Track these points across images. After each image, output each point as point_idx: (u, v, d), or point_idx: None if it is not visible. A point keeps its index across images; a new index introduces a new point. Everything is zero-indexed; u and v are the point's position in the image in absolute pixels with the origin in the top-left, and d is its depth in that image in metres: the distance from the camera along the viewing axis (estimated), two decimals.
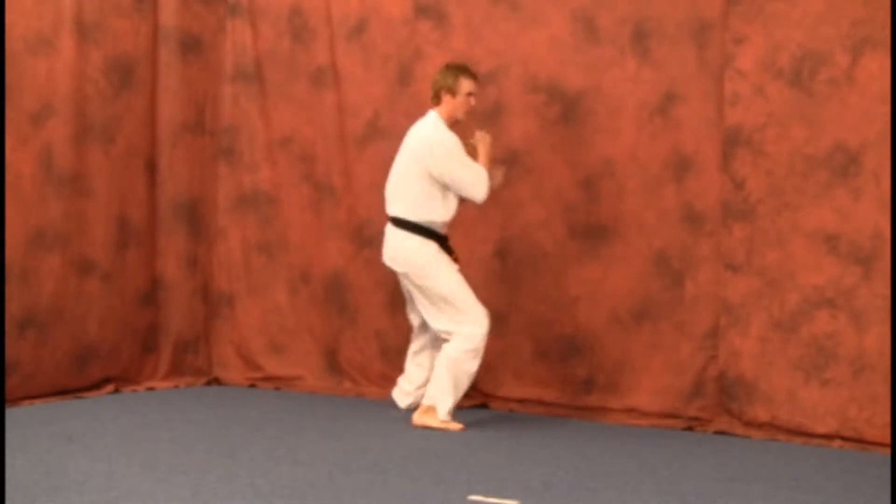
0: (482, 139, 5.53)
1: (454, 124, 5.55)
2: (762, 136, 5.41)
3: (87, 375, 6.24)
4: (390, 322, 6.44)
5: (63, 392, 6.06)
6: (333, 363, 6.69)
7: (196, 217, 6.81)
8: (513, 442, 5.13)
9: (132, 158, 6.51)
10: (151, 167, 6.63)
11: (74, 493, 4.04)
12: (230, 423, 5.53)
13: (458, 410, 5.59)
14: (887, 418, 5.06)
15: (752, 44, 5.42)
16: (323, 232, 6.69)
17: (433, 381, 5.47)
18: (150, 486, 4.19)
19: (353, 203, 6.57)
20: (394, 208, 5.59)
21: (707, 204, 5.60)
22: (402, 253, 5.53)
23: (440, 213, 5.51)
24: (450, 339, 5.43)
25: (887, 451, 5.01)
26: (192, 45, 6.75)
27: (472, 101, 5.54)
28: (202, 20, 6.80)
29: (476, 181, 5.42)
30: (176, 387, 6.63)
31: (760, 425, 5.45)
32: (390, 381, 6.43)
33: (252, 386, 6.77)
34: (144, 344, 6.63)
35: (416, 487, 4.27)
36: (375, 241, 6.45)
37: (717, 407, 5.61)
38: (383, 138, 6.37)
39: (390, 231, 5.60)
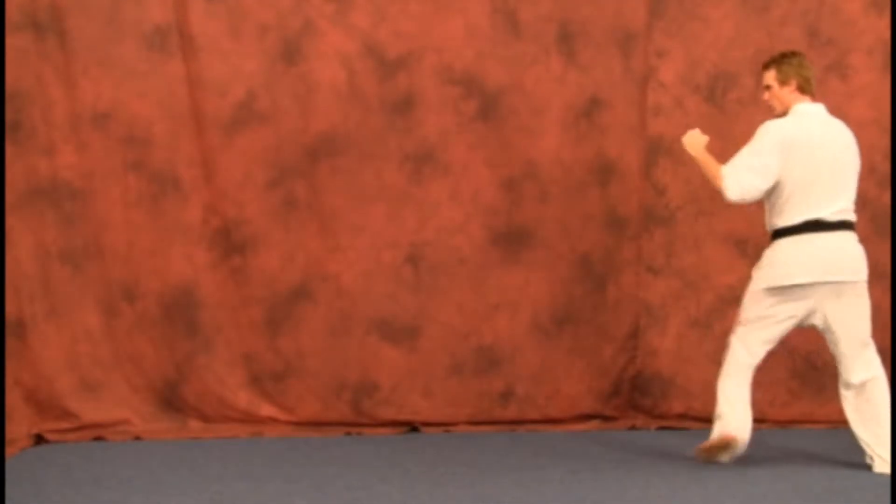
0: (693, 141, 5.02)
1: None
2: (682, 147, 5.75)
3: None
4: (267, 343, 5.39)
5: None
6: (173, 400, 5.34)
7: None
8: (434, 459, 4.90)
9: None
10: None
11: None
12: None
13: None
14: (788, 398, 5.80)
15: (672, 59, 5.73)
16: (162, 236, 5.30)
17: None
18: None
19: (216, 201, 5.34)
20: (839, 209, 4.73)
21: (630, 209, 5.75)
22: (860, 259, 4.73)
23: None
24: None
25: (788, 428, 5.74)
26: None
27: (765, 94, 4.92)
28: None
29: None
30: None
31: (674, 416, 5.78)
32: (260, 415, 5.45)
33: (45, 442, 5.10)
34: None
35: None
36: (247, 247, 5.41)
37: (627, 405, 5.81)
38: (261, 124, 5.34)
39: (843, 237, 4.73)
